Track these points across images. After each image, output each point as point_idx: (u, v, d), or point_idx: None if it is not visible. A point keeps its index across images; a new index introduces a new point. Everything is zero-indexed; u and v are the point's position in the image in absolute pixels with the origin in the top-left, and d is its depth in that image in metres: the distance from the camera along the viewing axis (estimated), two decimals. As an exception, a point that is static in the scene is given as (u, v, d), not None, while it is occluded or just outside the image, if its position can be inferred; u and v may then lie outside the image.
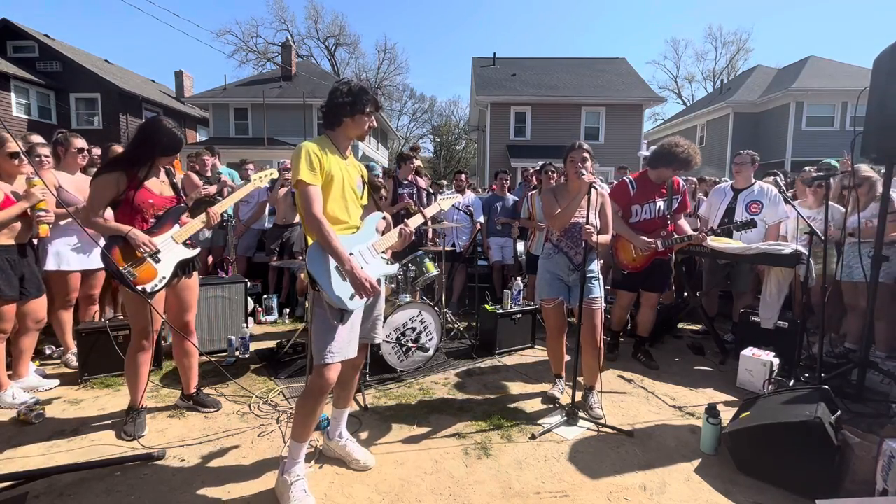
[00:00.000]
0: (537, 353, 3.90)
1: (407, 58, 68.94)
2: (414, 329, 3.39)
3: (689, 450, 2.43)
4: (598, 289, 2.77)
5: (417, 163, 5.63)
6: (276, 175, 3.07)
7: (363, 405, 2.84)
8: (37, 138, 3.19)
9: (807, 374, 3.13)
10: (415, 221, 2.25)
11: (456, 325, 4.38)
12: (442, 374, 3.42)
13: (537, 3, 70.57)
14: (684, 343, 4.24)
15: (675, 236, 3.37)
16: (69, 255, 3.21)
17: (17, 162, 2.67)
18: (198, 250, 2.56)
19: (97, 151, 3.81)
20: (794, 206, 3.38)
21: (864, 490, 1.98)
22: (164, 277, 2.33)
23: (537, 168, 5.18)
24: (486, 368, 3.58)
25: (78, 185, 3.16)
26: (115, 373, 3.11)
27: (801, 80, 17.90)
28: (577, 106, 18.18)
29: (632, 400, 3.04)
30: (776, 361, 3.13)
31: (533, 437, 2.51)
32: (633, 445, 2.47)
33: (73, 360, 3.25)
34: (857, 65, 19.01)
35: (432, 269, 3.80)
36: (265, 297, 4.88)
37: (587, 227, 2.53)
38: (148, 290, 2.28)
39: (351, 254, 1.89)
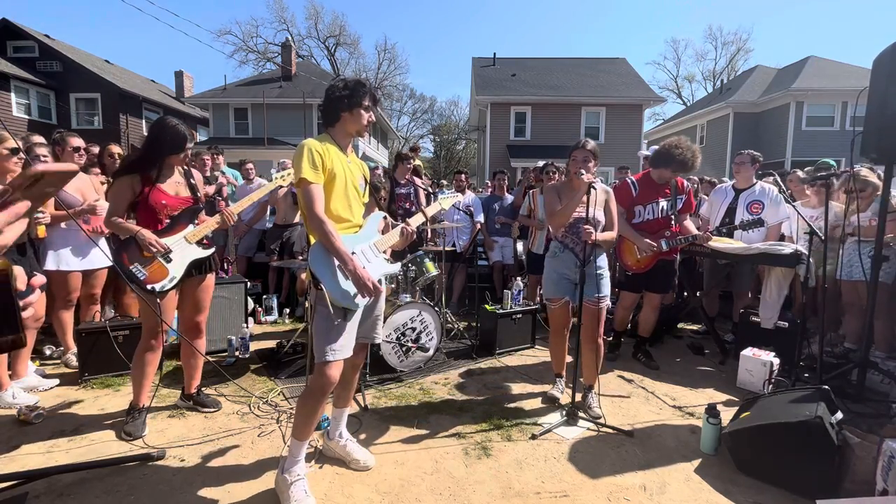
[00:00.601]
0: (537, 353, 3.90)
1: (407, 58, 68.99)
2: (414, 329, 3.39)
3: (689, 450, 2.43)
4: (606, 287, 2.77)
5: (416, 163, 5.63)
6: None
7: (363, 405, 2.84)
8: (37, 138, 3.19)
9: (807, 374, 3.13)
10: (416, 221, 2.25)
11: (456, 325, 4.38)
12: (442, 374, 3.42)
13: (537, 3, 70.63)
14: (684, 343, 4.24)
15: (680, 237, 3.37)
16: (69, 255, 3.21)
17: (14, 160, 2.66)
18: (213, 250, 2.58)
19: (95, 150, 3.81)
20: (794, 207, 3.38)
21: (864, 490, 1.98)
22: (174, 277, 2.35)
23: (539, 167, 5.18)
24: (486, 368, 3.58)
25: (77, 185, 3.15)
26: (115, 373, 3.11)
27: (801, 80, 17.90)
28: (577, 106, 18.19)
29: (632, 400, 3.04)
30: (776, 361, 3.13)
31: (533, 437, 2.51)
32: (633, 445, 2.47)
33: (73, 360, 3.25)
34: (857, 65, 19.02)
35: (432, 269, 3.80)
36: (265, 297, 4.88)
37: (586, 227, 2.52)
38: (157, 289, 2.30)
39: (353, 253, 1.89)
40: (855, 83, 15.83)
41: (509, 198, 5.46)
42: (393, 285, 3.71)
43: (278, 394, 3.00)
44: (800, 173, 4.58)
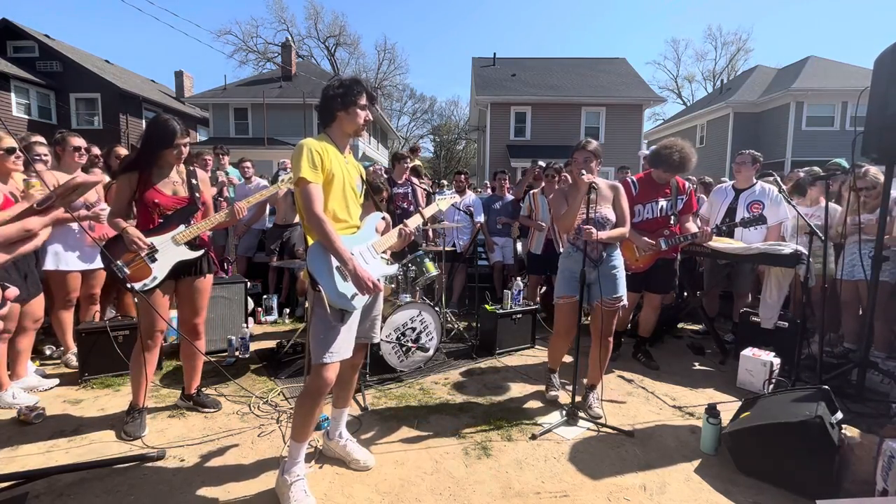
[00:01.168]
0: (537, 354, 3.90)
1: (407, 58, 68.99)
2: (414, 329, 3.39)
3: (689, 450, 2.43)
4: (622, 286, 2.75)
5: (415, 163, 5.62)
6: None
7: (363, 405, 2.83)
8: (37, 137, 3.19)
9: (807, 374, 3.13)
10: (414, 222, 2.25)
11: (456, 325, 4.38)
12: (442, 374, 3.42)
13: (537, 3, 70.64)
14: (684, 343, 4.24)
15: (679, 236, 3.37)
16: (68, 255, 3.21)
17: (13, 159, 2.66)
18: (202, 251, 2.53)
19: (96, 150, 3.81)
20: (793, 207, 3.38)
21: (864, 490, 1.98)
22: (156, 277, 2.32)
23: (542, 166, 5.17)
24: (486, 368, 3.58)
25: (78, 185, 3.15)
26: (115, 373, 3.11)
27: (801, 80, 17.90)
28: (577, 106, 18.20)
29: (632, 400, 3.04)
30: (776, 361, 3.13)
31: (533, 437, 2.51)
32: (633, 445, 2.47)
33: (73, 360, 3.25)
34: (857, 65, 19.02)
35: (432, 269, 3.80)
36: (265, 297, 4.88)
37: (587, 227, 2.52)
38: (138, 288, 2.28)
39: (351, 253, 1.89)
40: (855, 83, 15.85)
41: (510, 198, 5.46)
42: (393, 285, 3.71)
43: (278, 394, 3.00)
44: (801, 173, 4.57)
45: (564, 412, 2.70)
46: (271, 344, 3.90)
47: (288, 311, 4.89)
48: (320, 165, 1.82)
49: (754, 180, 3.98)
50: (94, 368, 3.10)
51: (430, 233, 5.07)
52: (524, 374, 3.45)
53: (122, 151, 4.03)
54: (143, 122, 20.02)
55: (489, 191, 6.62)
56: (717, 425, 2.38)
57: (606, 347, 2.80)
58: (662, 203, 3.40)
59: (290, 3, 57.92)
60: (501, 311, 3.87)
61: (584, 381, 2.94)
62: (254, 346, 3.82)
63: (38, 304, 2.89)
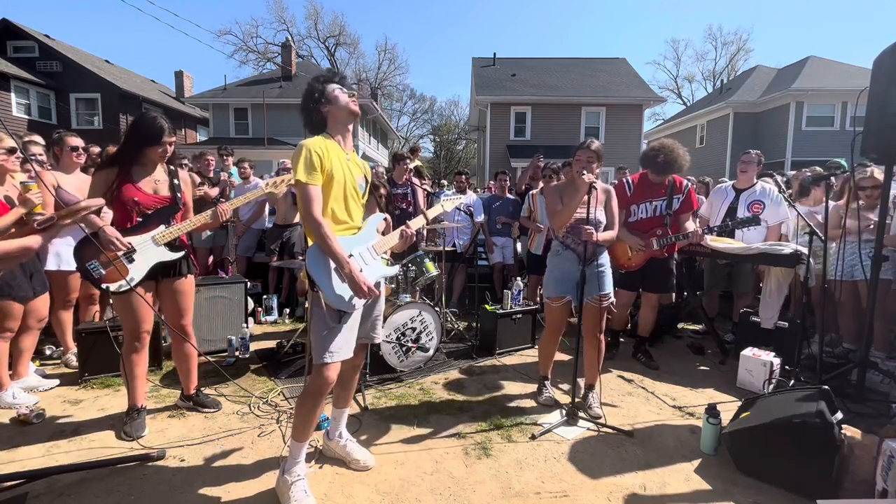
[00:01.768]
0: (537, 354, 3.89)
1: (407, 58, 69.05)
2: (414, 329, 3.39)
3: (689, 450, 2.43)
4: (608, 284, 2.78)
5: (415, 163, 5.62)
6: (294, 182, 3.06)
7: (363, 405, 2.84)
8: (32, 137, 3.18)
9: (807, 374, 3.13)
10: (416, 223, 2.25)
11: (456, 325, 4.38)
12: (442, 374, 3.42)
13: (537, 3, 70.64)
14: (684, 343, 4.24)
15: (671, 235, 3.38)
16: (69, 256, 3.20)
17: (12, 160, 2.65)
18: (183, 252, 2.47)
19: (96, 150, 3.82)
20: (793, 207, 3.38)
21: (864, 490, 1.98)
22: (132, 279, 2.23)
23: (541, 165, 5.17)
24: (486, 368, 3.58)
25: (77, 185, 3.15)
26: (115, 373, 3.11)
27: (801, 80, 17.89)
28: (577, 106, 18.20)
29: (632, 400, 3.04)
30: (776, 361, 3.13)
31: (533, 437, 2.51)
32: (633, 445, 2.47)
33: (73, 360, 3.26)
34: (857, 65, 19.01)
35: (432, 269, 3.80)
36: (265, 297, 4.88)
37: (587, 228, 2.53)
38: (112, 289, 2.20)
39: (350, 255, 1.88)
40: (855, 83, 15.82)
41: (510, 198, 5.46)
42: (393, 285, 3.71)
43: (278, 394, 3.00)
44: (807, 172, 4.55)
45: (564, 412, 2.70)
46: (271, 344, 3.90)
47: (288, 311, 4.89)
48: (319, 166, 1.81)
49: (755, 180, 3.99)
50: (94, 368, 3.10)
51: (425, 231, 5.06)
52: (524, 374, 3.45)
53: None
54: (144, 122, 19.98)
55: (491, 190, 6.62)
56: (717, 425, 2.38)
57: (598, 345, 2.82)
58: (657, 203, 3.43)
59: (290, 3, 58.01)
60: (501, 311, 3.87)
61: (583, 381, 2.95)
62: (254, 346, 3.82)
63: (42, 303, 2.89)
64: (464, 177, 5.44)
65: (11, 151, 2.62)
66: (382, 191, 4.09)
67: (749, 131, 18.99)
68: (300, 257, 4.23)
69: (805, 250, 3.13)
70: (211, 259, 5.40)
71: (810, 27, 63.82)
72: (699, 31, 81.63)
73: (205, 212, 2.49)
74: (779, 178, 3.62)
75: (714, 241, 3.65)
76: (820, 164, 4.76)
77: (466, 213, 4.86)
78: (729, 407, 2.69)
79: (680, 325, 4.66)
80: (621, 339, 4.00)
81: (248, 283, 4.31)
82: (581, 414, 2.72)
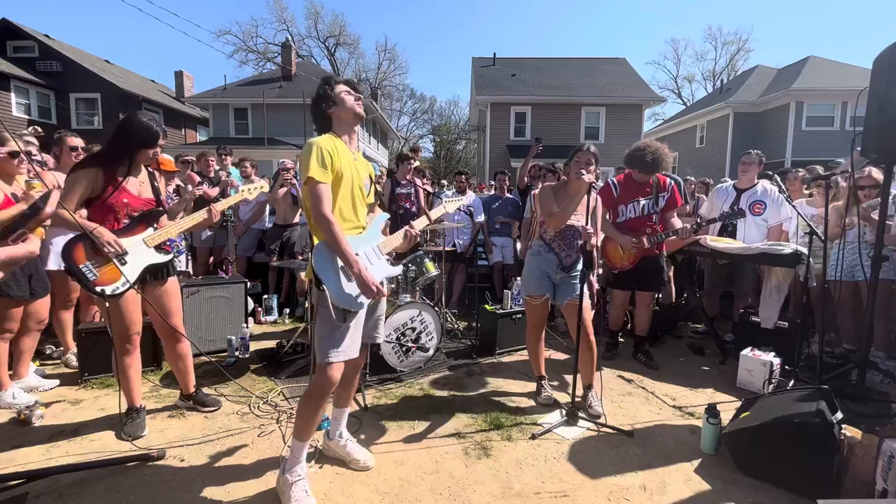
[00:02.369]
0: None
1: (407, 58, 68.74)
2: (414, 329, 3.39)
3: (689, 450, 2.43)
4: (577, 286, 2.78)
5: (417, 163, 5.62)
6: (265, 188, 3.05)
7: (363, 405, 2.84)
8: (29, 137, 3.18)
9: (807, 374, 3.13)
10: (420, 223, 2.25)
11: (456, 325, 4.37)
12: (442, 374, 3.42)
13: (537, 3, 70.56)
14: (684, 343, 4.24)
15: (661, 233, 3.39)
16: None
17: (16, 162, 2.66)
18: (170, 256, 2.45)
19: (96, 149, 3.81)
20: (794, 207, 3.38)
21: (864, 490, 1.98)
22: (126, 281, 2.19)
23: (539, 164, 5.17)
24: (486, 368, 3.58)
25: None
26: (115, 373, 3.11)
27: (801, 80, 17.89)
28: (577, 106, 18.20)
29: (632, 400, 3.04)
30: (776, 361, 3.13)
31: (533, 437, 2.51)
32: (633, 445, 2.47)
33: (73, 360, 3.25)
34: (857, 65, 19.00)
35: (432, 269, 3.80)
36: (265, 297, 4.88)
37: (588, 228, 2.53)
38: (108, 292, 2.16)
39: (357, 255, 1.88)
40: (855, 83, 15.81)
41: (510, 197, 5.46)
42: (393, 285, 3.70)
43: (278, 394, 3.00)
44: (800, 172, 4.57)
45: (564, 412, 2.70)
46: (271, 344, 3.90)
47: (288, 311, 4.89)
48: (330, 165, 1.81)
49: (756, 180, 3.99)
50: (94, 368, 3.10)
51: (430, 232, 5.07)
52: (524, 374, 3.45)
53: None
54: (144, 122, 19.98)
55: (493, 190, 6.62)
56: (717, 425, 2.38)
57: (590, 344, 2.81)
58: (644, 202, 3.45)
59: (290, 3, 57.80)
60: (501, 311, 3.87)
61: (581, 382, 2.94)
62: (254, 346, 3.82)
63: (42, 305, 2.89)
64: (464, 177, 5.43)
65: (14, 155, 2.63)
66: (379, 188, 4.11)
67: (749, 131, 18.99)
68: (300, 257, 4.23)
69: (805, 250, 3.14)
70: (211, 259, 5.40)
71: (810, 27, 63.84)
72: (699, 31, 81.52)
73: (197, 212, 2.49)
74: (777, 178, 3.61)
75: (714, 241, 3.65)
76: (820, 164, 4.76)
77: (466, 213, 4.86)
78: (729, 407, 2.69)
79: (680, 325, 4.65)
80: (621, 340, 4.00)
81: (248, 283, 4.31)
82: (581, 414, 2.72)
